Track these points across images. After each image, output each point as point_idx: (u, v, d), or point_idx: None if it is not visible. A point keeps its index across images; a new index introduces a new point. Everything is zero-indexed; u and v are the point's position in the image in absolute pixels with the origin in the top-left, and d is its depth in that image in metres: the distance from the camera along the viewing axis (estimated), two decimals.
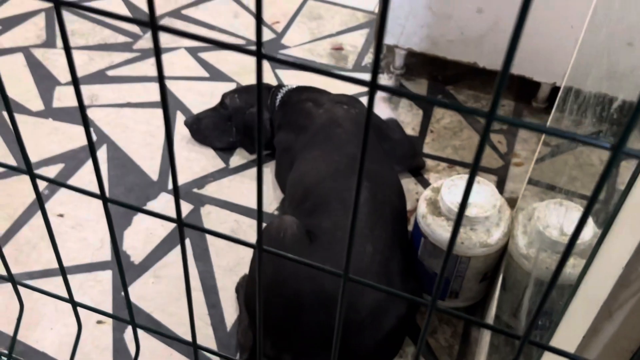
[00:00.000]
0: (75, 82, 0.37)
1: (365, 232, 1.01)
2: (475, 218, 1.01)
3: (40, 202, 0.45)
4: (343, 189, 1.08)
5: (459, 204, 0.31)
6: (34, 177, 0.42)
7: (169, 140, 0.35)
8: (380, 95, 1.56)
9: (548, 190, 1.19)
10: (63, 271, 0.51)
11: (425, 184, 1.37)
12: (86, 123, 0.37)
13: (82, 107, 0.38)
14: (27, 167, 0.41)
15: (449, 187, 1.05)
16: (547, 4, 1.32)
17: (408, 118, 1.52)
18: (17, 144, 0.44)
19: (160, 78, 0.33)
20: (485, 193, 1.05)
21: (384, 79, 1.60)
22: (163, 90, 0.34)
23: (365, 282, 0.37)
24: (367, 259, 0.99)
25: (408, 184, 1.36)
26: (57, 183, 0.42)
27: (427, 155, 1.43)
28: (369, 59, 1.67)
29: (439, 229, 1.04)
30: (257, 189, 0.35)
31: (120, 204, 0.42)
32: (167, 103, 0.35)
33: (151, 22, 0.30)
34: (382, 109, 1.51)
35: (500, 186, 1.37)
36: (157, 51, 0.31)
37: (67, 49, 0.35)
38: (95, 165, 0.40)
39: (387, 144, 1.30)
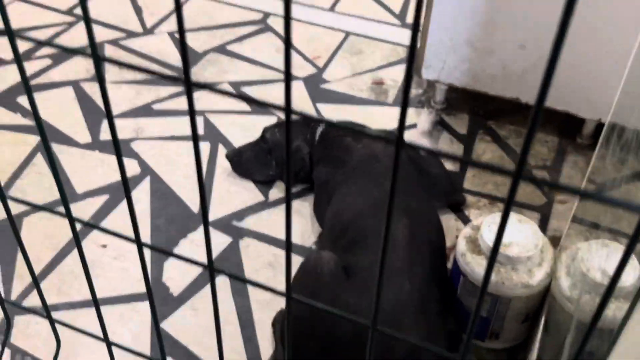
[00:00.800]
0: (111, 121, 0.38)
1: (403, 269, 1.00)
2: (516, 258, 0.99)
3: (78, 246, 0.46)
4: (381, 225, 1.07)
5: (496, 236, 0.30)
6: (72, 221, 0.43)
7: (201, 187, 0.36)
8: (420, 129, 1.56)
9: (592, 229, 1.15)
10: (98, 310, 0.52)
11: (465, 220, 1.35)
12: (122, 168, 0.38)
13: (117, 146, 0.40)
14: (65, 210, 0.43)
15: (489, 225, 1.03)
16: (592, 38, 1.31)
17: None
18: (56, 185, 0.46)
19: (194, 134, 0.33)
20: (527, 232, 1.02)
21: (425, 114, 1.59)
22: (197, 146, 0.35)
23: (394, 334, 0.36)
24: (404, 297, 0.97)
25: (448, 220, 1.34)
26: (92, 226, 0.43)
27: (467, 191, 1.41)
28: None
29: (479, 268, 1.02)
30: (285, 240, 0.35)
31: (153, 248, 0.43)
32: (199, 158, 0.36)
33: (186, 80, 0.31)
34: (422, 143, 1.50)
35: (544, 224, 1.34)
36: (192, 111, 0.32)
37: (104, 95, 0.36)
38: (130, 208, 0.41)
39: (427, 179, 1.29)
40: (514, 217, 1.05)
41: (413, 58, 0.28)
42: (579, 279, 0.96)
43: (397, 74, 1.73)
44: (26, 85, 0.40)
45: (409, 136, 1.52)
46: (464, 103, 1.61)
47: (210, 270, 0.39)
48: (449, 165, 1.46)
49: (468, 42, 1.44)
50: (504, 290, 1.00)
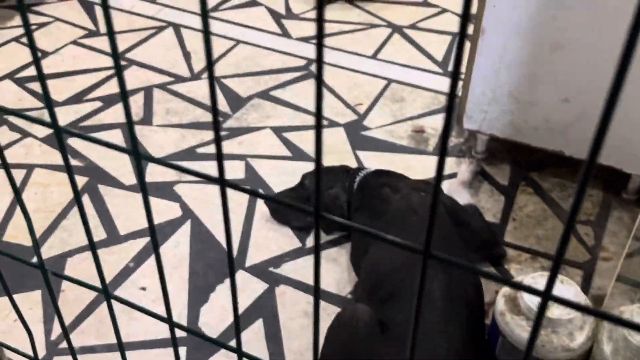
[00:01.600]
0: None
1: (439, 327, 0.98)
2: (557, 320, 0.96)
3: (111, 315, 0.47)
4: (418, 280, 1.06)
5: (539, 304, 0.30)
6: (108, 298, 0.44)
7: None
8: (460, 178, 1.55)
9: (638, 289, 1.11)
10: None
11: (505, 274, 1.33)
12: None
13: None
14: (102, 288, 0.44)
15: (531, 285, 1.01)
16: (636, 92, 1.29)
17: (489, 204, 1.49)
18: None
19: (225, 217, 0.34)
20: (568, 293, 1.00)
21: (465, 164, 1.58)
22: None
23: None
24: (440, 357, 0.95)
25: None
26: (122, 301, 0.44)
27: (508, 244, 1.39)
28: (450, 142, 1.67)
29: (518, 329, 0.99)
30: (314, 318, 0.35)
31: (186, 329, 0.43)
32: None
33: (220, 180, 0.32)
34: (462, 194, 1.49)
35: (587, 282, 1.30)
36: (225, 209, 0.33)
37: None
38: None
39: (466, 232, 1.28)
40: None
41: (452, 108, 0.28)
42: (621, 344, 0.92)
43: (438, 123, 1.73)
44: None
45: (448, 186, 1.51)
46: (505, 153, 1.60)
47: (239, 355, 0.40)
48: (490, 217, 1.44)
49: (510, 94, 1.43)
50: (543, 353, 0.97)
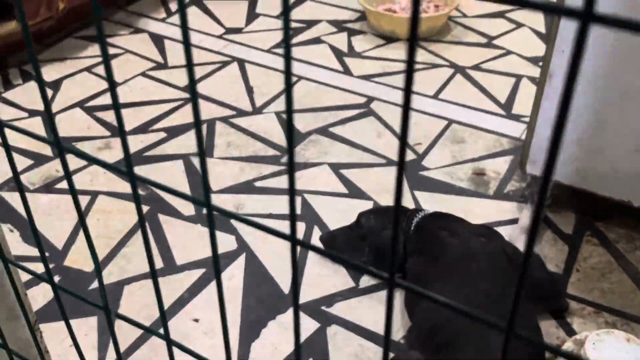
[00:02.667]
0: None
1: None
2: None
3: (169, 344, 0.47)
4: (475, 329, 1.03)
5: None
6: (170, 345, 0.44)
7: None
8: (522, 225, 1.50)
9: None
10: None
11: (566, 327, 1.27)
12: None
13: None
14: (165, 335, 0.44)
15: (595, 342, 0.96)
16: None
17: (552, 253, 1.43)
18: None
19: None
20: (636, 353, 0.94)
21: (527, 209, 1.54)
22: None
23: None
24: None
25: (548, 327, 1.26)
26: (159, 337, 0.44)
27: (571, 296, 1.33)
28: (512, 186, 1.63)
29: None
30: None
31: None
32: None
33: (292, 239, 0.31)
34: (523, 242, 1.44)
35: None
36: (294, 267, 0.32)
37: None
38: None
39: (527, 281, 1.23)
40: (621, 335, 0.97)
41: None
42: None
43: (499, 166, 1.69)
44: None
45: (510, 232, 1.47)
46: (570, 201, 1.55)
47: None
48: (552, 267, 1.39)
49: (577, 140, 1.39)
50: None
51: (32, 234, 1.51)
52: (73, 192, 0.48)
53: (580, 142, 1.39)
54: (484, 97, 1.97)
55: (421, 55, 2.19)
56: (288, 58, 0.32)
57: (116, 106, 0.40)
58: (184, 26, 0.34)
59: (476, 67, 2.12)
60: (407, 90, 0.28)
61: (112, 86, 0.39)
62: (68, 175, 0.46)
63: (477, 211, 1.55)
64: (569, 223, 1.51)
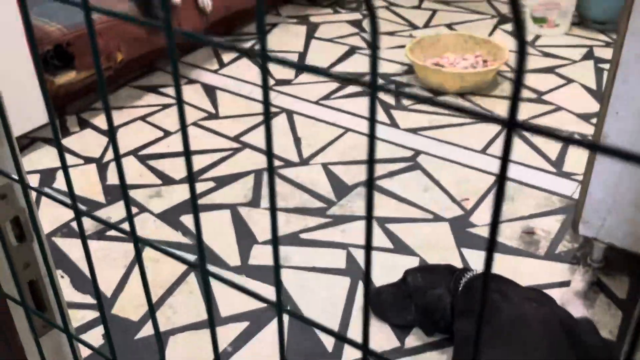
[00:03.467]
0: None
1: None
2: None
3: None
4: None
5: None
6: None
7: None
8: (573, 288, 1.46)
9: None
10: None
11: None
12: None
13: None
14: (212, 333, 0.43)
15: None
16: None
17: (605, 318, 1.38)
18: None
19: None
20: None
21: (580, 272, 1.49)
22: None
23: None
24: None
25: None
26: None
27: None
28: (563, 246, 1.59)
29: None
30: None
31: None
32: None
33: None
34: (576, 306, 1.40)
35: None
36: None
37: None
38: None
39: (580, 349, 1.19)
40: None
41: None
42: None
43: (550, 225, 1.66)
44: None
45: (561, 295, 1.42)
46: (624, 265, 1.49)
47: None
48: (605, 334, 1.34)
49: (633, 203, 1.35)
50: None
51: (82, 281, 1.54)
52: (135, 238, 0.48)
53: (636, 204, 1.35)
54: (534, 153, 1.95)
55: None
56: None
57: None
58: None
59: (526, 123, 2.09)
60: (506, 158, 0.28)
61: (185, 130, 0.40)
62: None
63: (526, 272, 1.51)
64: (622, 288, 1.45)
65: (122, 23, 2.12)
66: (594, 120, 1.79)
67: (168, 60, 2.56)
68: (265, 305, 1.47)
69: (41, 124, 1.99)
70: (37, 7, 2.07)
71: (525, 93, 2.28)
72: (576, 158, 1.90)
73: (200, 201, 1.81)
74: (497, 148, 1.98)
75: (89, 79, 2.09)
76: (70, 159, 1.99)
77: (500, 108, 2.19)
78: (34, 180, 1.90)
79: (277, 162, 1.97)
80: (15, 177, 0.52)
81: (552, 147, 1.97)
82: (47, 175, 1.92)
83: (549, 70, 2.43)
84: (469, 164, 1.92)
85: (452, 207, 1.75)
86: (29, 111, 1.90)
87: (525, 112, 2.16)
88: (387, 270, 1.53)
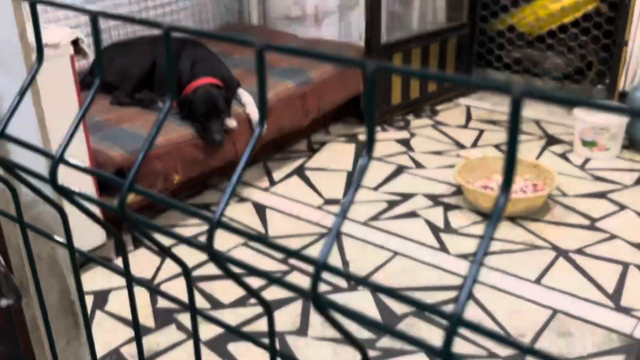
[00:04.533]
0: None
1: None
2: None
3: None
4: None
5: None
6: None
7: None
8: None
9: None
10: None
11: None
12: None
13: None
14: None
15: None
16: None
17: None
18: None
19: None
20: None
21: None
22: None
23: None
24: None
25: None
26: None
27: None
28: None
29: None
30: None
31: None
32: None
33: None
34: None
35: None
36: None
37: None
38: None
39: None
40: None
41: None
42: None
43: None
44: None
45: None
46: None
47: None
48: None
49: None
50: None
51: None
52: None
53: None
54: (590, 285, 1.89)
55: (521, 235, 2.16)
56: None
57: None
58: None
59: (579, 251, 2.05)
60: None
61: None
62: None
63: None
64: None
65: (180, 146, 2.22)
66: None
67: (220, 178, 2.64)
68: None
69: (97, 245, 2.05)
70: (102, 131, 2.20)
71: (577, 219, 2.25)
72: (634, 291, 1.83)
73: (249, 327, 1.80)
74: (551, 278, 1.93)
75: (146, 200, 2.16)
76: (121, 280, 2.03)
77: (552, 235, 2.15)
78: (87, 301, 1.93)
79: (324, 287, 1.96)
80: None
81: (608, 279, 1.91)
82: (99, 297, 1.95)
83: (601, 195, 2.39)
84: (523, 295, 1.86)
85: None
86: (87, 232, 1.96)
87: (580, 239, 2.11)
88: None
